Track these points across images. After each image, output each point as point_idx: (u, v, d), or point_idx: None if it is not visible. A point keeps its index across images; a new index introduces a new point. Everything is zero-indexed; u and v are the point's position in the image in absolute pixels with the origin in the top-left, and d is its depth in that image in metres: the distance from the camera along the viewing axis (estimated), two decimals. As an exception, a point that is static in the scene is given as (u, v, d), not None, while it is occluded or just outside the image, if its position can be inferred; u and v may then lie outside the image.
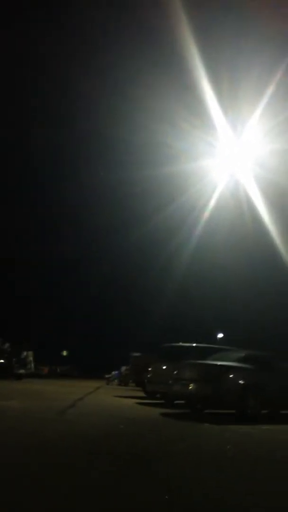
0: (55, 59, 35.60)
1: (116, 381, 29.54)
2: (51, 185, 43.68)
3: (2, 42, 36.26)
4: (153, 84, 34.86)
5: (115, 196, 41.80)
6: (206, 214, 40.71)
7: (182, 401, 10.57)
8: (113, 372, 30.66)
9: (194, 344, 13.65)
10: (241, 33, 32.86)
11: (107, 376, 30.33)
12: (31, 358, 30.89)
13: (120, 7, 34.18)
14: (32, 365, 31.06)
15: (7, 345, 28.73)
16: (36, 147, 39.80)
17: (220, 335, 40.24)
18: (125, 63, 34.64)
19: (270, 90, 32.93)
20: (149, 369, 14.03)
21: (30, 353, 31.46)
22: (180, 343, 14.29)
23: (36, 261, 46.50)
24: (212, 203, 39.89)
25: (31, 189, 42.47)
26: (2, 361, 24.15)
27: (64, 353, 45.85)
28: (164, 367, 12.64)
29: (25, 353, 30.79)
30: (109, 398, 13.86)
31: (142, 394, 15.46)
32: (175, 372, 9.85)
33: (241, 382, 8.74)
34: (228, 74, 33.87)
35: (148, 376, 13.87)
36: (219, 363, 9.45)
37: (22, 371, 25.16)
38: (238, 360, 9.76)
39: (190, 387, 8.87)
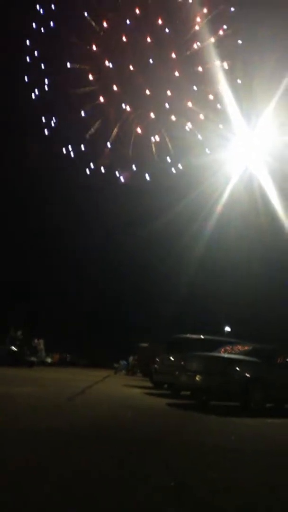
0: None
1: (124, 371, 29.95)
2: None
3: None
4: (167, 78, 34.88)
5: (129, 190, 41.89)
6: (220, 207, 40.73)
7: (188, 392, 10.81)
8: (121, 362, 31.07)
9: (201, 336, 13.83)
10: (256, 26, 32.57)
11: (115, 365, 30.73)
12: (42, 346, 31.44)
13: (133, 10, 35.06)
14: (43, 352, 31.62)
15: (19, 332, 29.27)
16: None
17: (228, 329, 40.34)
18: (144, 59, 35.02)
19: (284, 82, 32.69)
20: (157, 359, 14.30)
21: (41, 341, 32.00)
22: (188, 335, 14.48)
23: (48, 249, 46.96)
24: (226, 196, 39.93)
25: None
26: (14, 348, 24.62)
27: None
28: (172, 358, 12.89)
29: (36, 341, 31.35)
30: (117, 387, 14.16)
31: (149, 384, 15.74)
32: (182, 363, 10.06)
33: (246, 375, 8.91)
34: (243, 67, 33.68)
35: (156, 366, 14.14)
36: (225, 355, 9.66)
37: (33, 358, 25.64)
38: (245, 353, 9.94)
39: (197, 379, 9.08)
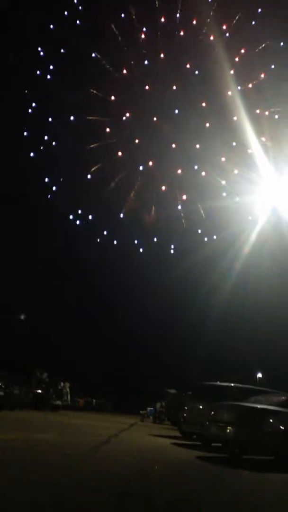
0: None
1: (151, 418, 28.93)
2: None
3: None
4: (195, 126, 35.76)
5: (158, 231, 42.19)
6: (247, 249, 40.31)
7: (219, 444, 10.19)
8: (148, 409, 30.09)
9: (232, 384, 13.22)
10: (281, 74, 33.39)
11: (142, 412, 29.76)
12: (67, 390, 31.00)
13: (170, 54, 35.87)
14: (69, 396, 31.12)
15: (45, 374, 29.01)
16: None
17: (260, 375, 38.75)
18: (170, 108, 35.95)
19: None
20: (185, 408, 13.69)
21: (67, 384, 31.59)
22: (218, 382, 13.89)
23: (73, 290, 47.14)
24: (253, 237, 39.59)
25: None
26: (40, 391, 24.29)
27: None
28: (201, 407, 12.29)
29: (62, 384, 30.95)
30: (143, 437, 13.56)
31: (177, 433, 15.03)
32: (212, 413, 9.54)
33: (281, 427, 8.34)
34: (269, 114, 34.26)
35: (184, 415, 13.51)
36: (258, 406, 9.09)
37: (58, 402, 25.17)
38: (279, 404, 9.35)
39: (228, 431, 8.54)
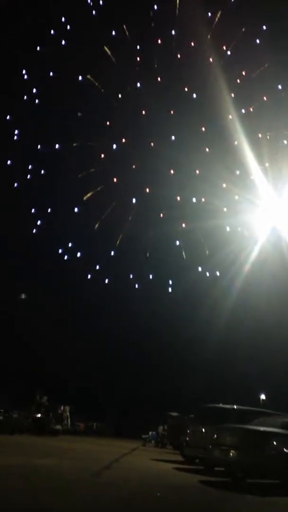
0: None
1: (153, 442, 28.41)
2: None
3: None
4: (195, 148, 36.17)
5: (156, 250, 42.18)
6: (247, 267, 40.28)
7: (222, 469, 9.99)
8: (150, 433, 29.56)
9: (234, 406, 13.04)
10: (279, 98, 34.04)
11: (143, 436, 29.22)
12: (68, 414, 30.47)
13: (167, 77, 36.07)
14: (69, 420, 30.58)
15: (45, 398, 28.59)
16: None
17: (263, 397, 38.21)
18: (170, 130, 36.30)
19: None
20: (187, 431, 13.47)
21: (67, 408, 31.07)
22: (220, 405, 13.70)
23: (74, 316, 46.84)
24: (253, 256, 39.63)
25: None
26: (39, 415, 23.90)
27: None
28: (203, 430, 12.09)
29: (62, 408, 30.45)
30: (145, 461, 13.30)
31: (180, 458, 14.74)
32: (215, 436, 9.38)
33: (285, 450, 8.20)
34: (268, 137, 34.78)
35: (186, 439, 13.29)
36: (262, 428, 8.96)
37: (58, 427, 24.71)
38: (283, 426, 9.21)
39: (231, 454, 8.39)
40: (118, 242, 37.24)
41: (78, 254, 36.70)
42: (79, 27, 34.27)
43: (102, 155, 35.45)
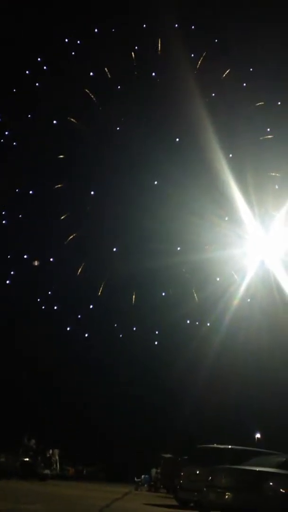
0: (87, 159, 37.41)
1: (146, 485, 27.37)
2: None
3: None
4: (182, 182, 37.02)
5: (144, 283, 42.08)
6: (237, 301, 40.35)
7: (218, 512, 9.63)
8: (143, 476, 28.53)
9: (229, 446, 12.73)
10: (263, 133, 35.36)
11: (136, 479, 28.19)
12: (56, 457, 29.40)
13: (154, 119, 37.16)
14: (58, 465, 29.45)
15: (33, 441, 27.67)
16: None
17: (258, 435, 37.32)
18: (158, 164, 37.14)
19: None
20: (181, 474, 13.06)
21: (56, 451, 29.99)
22: (215, 445, 13.37)
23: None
24: (242, 290, 39.81)
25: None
26: (27, 459, 22.99)
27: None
28: (198, 472, 11.75)
29: (50, 451, 29.38)
30: (138, 506, 12.78)
31: (174, 501, 14.21)
32: (210, 478, 9.11)
33: (282, 490, 7.97)
34: (254, 173, 35.85)
35: (180, 481, 12.87)
36: (257, 469, 8.74)
37: (47, 471, 23.76)
38: (279, 466, 8.99)
39: (227, 497, 8.14)
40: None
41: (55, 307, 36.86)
42: (57, 65, 34.46)
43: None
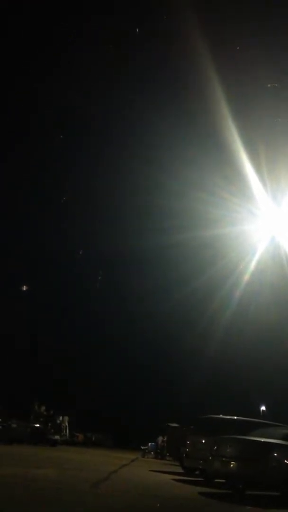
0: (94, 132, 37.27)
1: (152, 453, 28.13)
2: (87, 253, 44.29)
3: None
4: (193, 157, 36.34)
5: (155, 260, 42.17)
6: (247, 277, 40.19)
7: (223, 480, 9.89)
8: (149, 444, 29.29)
9: (235, 417, 12.94)
10: (278, 110, 34.23)
11: (143, 447, 28.96)
12: (66, 424, 30.24)
13: (163, 90, 36.26)
14: (67, 431, 30.32)
15: (43, 408, 28.39)
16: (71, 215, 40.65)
17: (263, 408, 37.88)
18: (168, 139, 36.46)
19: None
20: (187, 442, 13.35)
21: (66, 418, 30.83)
22: (221, 415, 13.60)
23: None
24: (252, 266, 39.56)
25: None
26: (37, 425, 23.71)
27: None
28: (203, 441, 11.99)
29: (60, 418, 30.21)
30: (144, 473, 13.16)
31: (179, 469, 14.60)
32: (215, 447, 9.30)
33: (286, 462, 8.12)
34: (266, 147, 34.83)
35: (186, 450, 13.17)
36: (262, 440, 8.88)
37: (57, 437, 24.53)
38: (283, 437, 9.14)
39: (231, 466, 8.31)
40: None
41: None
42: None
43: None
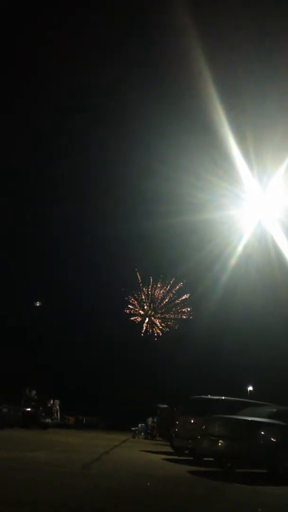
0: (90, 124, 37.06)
1: (142, 434, 28.60)
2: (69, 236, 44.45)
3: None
4: (179, 140, 36.19)
5: (141, 245, 42.23)
6: (233, 261, 40.56)
7: (212, 459, 10.15)
8: (140, 425, 29.75)
9: (223, 398, 13.20)
10: (265, 93, 34.10)
11: (133, 428, 29.42)
12: (57, 407, 30.50)
13: (150, 74, 35.85)
14: (58, 414, 30.60)
15: (34, 392, 28.57)
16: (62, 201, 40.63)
17: (250, 388, 38.69)
18: (154, 121, 36.17)
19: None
20: (177, 422, 13.61)
21: (57, 401, 31.09)
22: (209, 396, 13.85)
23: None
24: (239, 250, 39.91)
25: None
26: (28, 409, 23.88)
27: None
28: (192, 421, 12.24)
29: (51, 402, 30.45)
30: (135, 453, 13.43)
31: (169, 449, 14.91)
32: (204, 427, 9.52)
33: (273, 439, 8.36)
34: (253, 131, 34.87)
35: (175, 430, 13.43)
36: (249, 418, 9.10)
37: (48, 420, 24.76)
38: (270, 416, 9.36)
39: (220, 444, 8.53)
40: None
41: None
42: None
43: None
